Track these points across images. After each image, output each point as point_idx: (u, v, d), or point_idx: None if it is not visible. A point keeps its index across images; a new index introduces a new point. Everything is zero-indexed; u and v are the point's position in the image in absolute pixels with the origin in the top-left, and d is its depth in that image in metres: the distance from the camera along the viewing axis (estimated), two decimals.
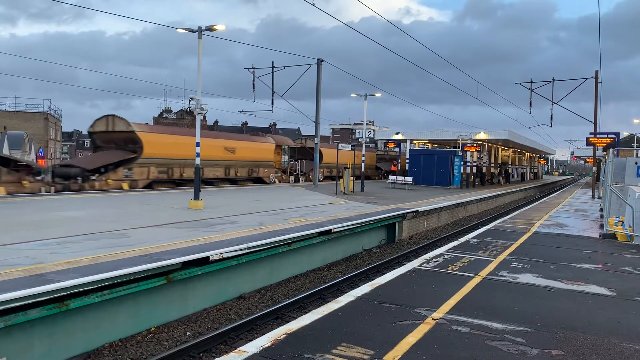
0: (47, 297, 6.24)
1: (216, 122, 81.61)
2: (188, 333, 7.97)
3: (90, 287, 6.80)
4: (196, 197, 16.14)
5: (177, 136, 27.22)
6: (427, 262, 9.96)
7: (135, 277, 7.43)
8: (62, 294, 6.43)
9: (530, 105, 34.95)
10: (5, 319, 5.88)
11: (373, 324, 5.99)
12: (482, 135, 38.07)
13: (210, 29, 16.25)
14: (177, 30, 16.79)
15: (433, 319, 6.25)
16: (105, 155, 24.51)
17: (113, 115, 25.24)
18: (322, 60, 30.79)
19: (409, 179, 32.42)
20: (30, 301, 6.05)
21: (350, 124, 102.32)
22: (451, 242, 13.49)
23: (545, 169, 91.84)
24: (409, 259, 13.96)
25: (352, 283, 11.33)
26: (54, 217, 12.61)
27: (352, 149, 31.65)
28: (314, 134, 32.07)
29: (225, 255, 9.16)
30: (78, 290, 6.64)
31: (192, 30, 16.39)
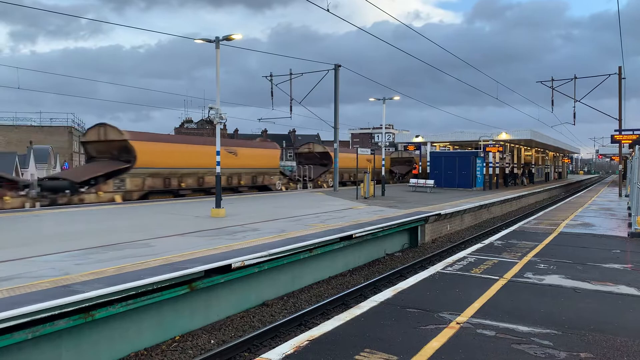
0: (74, 308, 6.33)
1: (236, 130, 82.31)
2: (212, 341, 8.00)
3: (115, 297, 6.88)
4: (218, 205, 16.26)
5: (174, 144, 25.90)
6: (451, 265, 9.85)
7: (159, 286, 7.50)
8: (87, 304, 6.52)
9: (552, 104, 34.45)
10: (33, 330, 5.99)
11: (396, 329, 5.94)
12: (503, 136, 37.61)
13: (227, 38, 16.42)
14: (195, 40, 16.99)
15: (457, 323, 6.17)
16: (96, 166, 23.29)
17: (105, 124, 23.96)
18: (340, 66, 30.83)
19: (430, 182, 32.17)
20: (57, 312, 6.15)
21: (369, 128, 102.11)
22: (475, 244, 13.33)
23: (570, 168, 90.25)
24: (432, 262, 13.83)
25: (375, 288, 11.26)
26: (69, 229, 12.82)
27: (372, 153, 31.57)
28: (332, 139, 32.08)
29: (247, 263, 9.19)
30: (103, 300, 6.72)
31: (209, 41, 16.57)
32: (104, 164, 23.33)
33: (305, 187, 36.04)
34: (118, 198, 22.12)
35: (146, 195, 23.62)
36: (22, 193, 19.95)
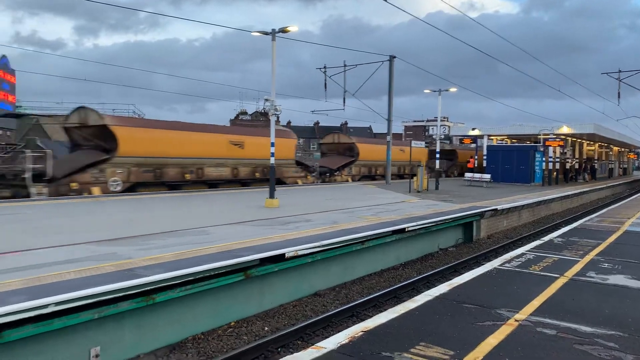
0: (136, 291, 6.60)
1: (289, 122, 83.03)
2: (266, 328, 8.15)
3: (175, 282, 7.12)
4: (272, 195, 16.49)
5: (161, 130, 22.92)
6: (508, 261, 9.58)
7: (216, 272, 7.70)
8: (149, 288, 6.78)
9: (619, 97, 32.74)
10: (99, 310, 6.28)
11: (452, 324, 5.84)
12: (565, 129, 36.11)
13: (283, 30, 16.54)
14: (252, 33, 17.21)
15: (516, 320, 6.00)
16: (79, 157, 21.19)
17: (85, 107, 21.66)
18: (394, 57, 30.46)
19: (487, 176, 31.36)
20: (121, 294, 6.43)
21: (423, 121, 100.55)
22: (533, 241, 12.90)
23: (636, 164, 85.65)
24: (488, 258, 13.50)
25: (428, 282, 11.11)
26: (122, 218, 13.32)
27: (426, 146, 31.08)
28: (386, 131, 31.80)
29: (300, 253, 9.29)
30: (163, 284, 6.97)
31: (266, 33, 16.75)
32: (83, 154, 21.13)
33: (324, 180, 33.87)
34: (96, 190, 20.21)
35: (133, 187, 21.60)
36: None
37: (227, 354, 6.87)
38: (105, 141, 20.98)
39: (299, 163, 31.14)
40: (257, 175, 27.03)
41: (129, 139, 21.06)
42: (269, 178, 24.96)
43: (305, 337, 7.77)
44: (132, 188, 21.31)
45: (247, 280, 8.48)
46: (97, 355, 6.46)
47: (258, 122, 72.37)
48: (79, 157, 20.95)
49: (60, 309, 5.83)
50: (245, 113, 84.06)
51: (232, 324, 8.23)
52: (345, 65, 29.71)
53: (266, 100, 16.68)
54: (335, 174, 34.74)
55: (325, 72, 30.26)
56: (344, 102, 30.94)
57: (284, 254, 8.94)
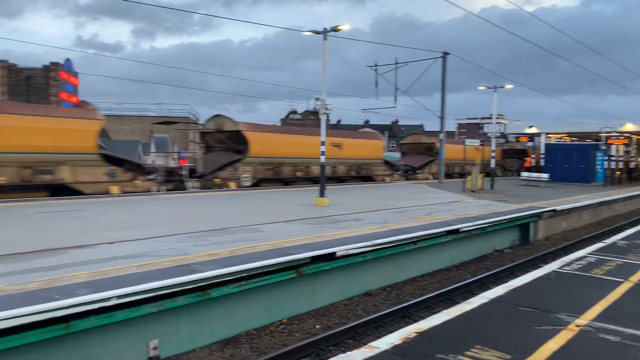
0: (193, 286, 6.79)
1: (339, 121, 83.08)
2: (318, 326, 8.19)
3: (229, 278, 7.27)
4: (322, 194, 16.55)
5: (280, 134, 27.12)
6: (568, 264, 9.22)
7: (269, 269, 7.81)
8: (204, 283, 6.96)
9: None
10: (157, 304, 6.50)
11: (509, 328, 5.68)
12: (629, 127, 34.38)
13: (334, 29, 16.55)
14: (303, 33, 17.32)
15: (577, 326, 5.76)
16: (218, 156, 24.87)
17: (221, 115, 25.48)
18: (447, 54, 29.90)
19: (545, 176, 30.29)
20: (178, 289, 6.63)
21: (477, 118, 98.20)
22: (595, 243, 12.34)
23: None
24: (546, 261, 13.03)
25: (483, 285, 10.85)
26: (187, 213, 13.69)
27: (481, 145, 30.37)
28: (438, 129, 31.28)
29: (351, 252, 9.28)
30: (218, 280, 7.14)
31: (317, 32, 16.81)
32: (223, 155, 25.19)
33: (408, 178, 35.53)
34: (233, 185, 23.90)
35: (258, 183, 25.03)
36: (150, 177, 22.00)
37: (280, 350, 6.96)
38: (238, 144, 24.67)
39: (385, 162, 33.98)
40: (352, 173, 30.39)
41: (258, 142, 24.61)
42: (362, 175, 26.89)
43: (357, 336, 7.76)
44: (257, 183, 24.81)
45: (299, 278, 8.55)
46: (155, 348, 6.68)
47: (308, 120, 72.82)
48: (220, 157, 24.72)
49: (121, 302, 6.08)
50: (295, 112, 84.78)
51: (284, 320, 8.32)
52: (396, 63, 29.43)
53: (317, 99, 16.75)
54: (417, 172, 36.61)
55: (376, 70, 30.07)
56: (395, 99, 30.65)
57: (334, 253, 8.96)
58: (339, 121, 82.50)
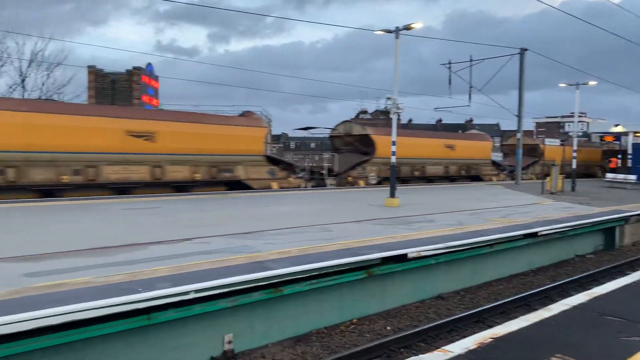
0: (265, 283, 6.94)
1: (410, 120, 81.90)
2: (388, 327, 8.12)
3: (301, 276, 7.36)
4: (392, 194, 16.39)
5: (404, 138, 29.67)
6: None
7: (339, 269, 7.83)
8: (277, 280, 7.09)
9: None
10: (232, 299, 6.70)
11: (593, 337, 5.36)
12: None
13: (406, 28, 16.34)
14: (375, 32, 17.23)
15: None
16: (349, 157, 27.98)
17: (349, 121, 29.72)
18: (525, 50, 28.69)
19: (632, 177, 28.34)
20: (252, 285, 6.79)
21: (557, 117, 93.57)
22: None
23: None
24: (634, 268, 12.20)
25: (563, 291, 10.31)
26: (275, 210, 13.99)
27: (561, 144, 28.92)
28: (515, 128, 30.08)
29: (423, 254, 9.12)
30: (290, 278, 7.25)
31: (389, 31, 16.67)
32: (353, 156, 28.15)
33: (513, 178, 35.90)
34: (362, 183, 27.06)
35: (381, 182, 27.42)
36: (300, 175, 25.95)
37: (350, 350, 6.96)
38: (365, 146, 27.66)
39: (493, 162, 36.23)
40: (462, 172, 32.90)
41: (383, 144, 26.49)
42: (472, 175, 30.20)
43: (429, 339, 7.61)
44: (381, 182, 27.36)
45: (369, 279, 8.51)
46: (230, 342, 6.89)
47: (378, 120, 72.35)
48: (350, 158, 27.81)
49: (199, 296, 6.31)
50: (365, 112, 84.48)
51: (354, 320, 8.31)
52: (471, 60, 28.62)
53: (388, 98, 16.61)
54: (522, 172, 37.14)
55: (449, 67, 29.38)
56: (470, 98, 29.81)
57: (406, 254, 8.84)
58: (410, 120, 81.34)
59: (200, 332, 6.67)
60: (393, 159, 16.87)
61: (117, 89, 49.48)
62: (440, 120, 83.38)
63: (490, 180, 33.83)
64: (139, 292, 5.90)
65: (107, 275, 6.61)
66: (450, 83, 29.66)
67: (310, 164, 31.50)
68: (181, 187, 20.28)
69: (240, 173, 22.38)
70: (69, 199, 16.37)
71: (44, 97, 32.31)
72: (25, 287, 5.98)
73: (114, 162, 18.55)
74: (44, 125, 16.89)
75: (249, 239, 9.61)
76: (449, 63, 29.37)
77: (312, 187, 25.23)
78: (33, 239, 9.33)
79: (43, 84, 33.19)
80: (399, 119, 17.35)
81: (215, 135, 21.52)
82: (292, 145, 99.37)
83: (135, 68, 49.14)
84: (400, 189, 19.28)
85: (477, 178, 33.33)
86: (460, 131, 53.51)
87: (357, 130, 28.26)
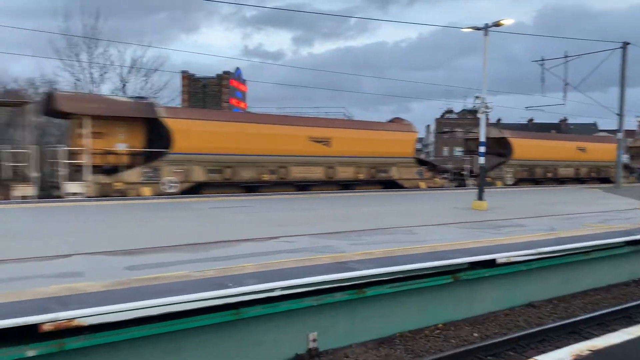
0: (349, 283, 7.00)
1: (499, 120, 78.75)
2: (475, 334, 7.89)
3: (384, 278, 7.35)
4: (480, 197, 15.88)
5: (538, 140, 31.94)
6: None
7: (424, 272, 7.72)
8: (361, 281, 7.13)
9: None
10: (317, 298, 6.82)
11: None
12: None
13: (496, 24, 15.77)
14: (462, 30, 16.80)
15: None
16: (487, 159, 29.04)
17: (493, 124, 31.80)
18: (628, 44, 26.68)
19: None
20: (335, 285, 6.88)
21: None
22: None
23: None
24: None
25: None
26: (368, 211, 14.07)
27: None
28: (615, 128, 28.06)
29: (513, 259, 8.77)
30: (374, 279, 7.26)
31: (477, 28, 16.18)
32: (490, 158, 29.35)
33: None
34: (499, 183, 28.91)
35: (517, 182, 29.40)
36: (444, 176, 28.33)
37: (435, 355, 6.85)
38: (500, 148, 29.16)
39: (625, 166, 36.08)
40: (593, 174, 33.83)
41: (520, 146, 29.09)
42: (602, 177, 31.63)
43: (519, 348, 7.31)
44: (516, 182, 29.52)
45: (456, 283, 8.31)
46: (314, 340, 7.01)
47: (465, 120, 70.29)
48: (489, 159, 27.74)
49: (285, 294, 6.49)
50: (451, 112, 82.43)
51: (440, 325, 8.16)
52: (566, 56, 27.06)
53: (477, 97, 16.12)
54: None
55: (542, 64, 27.98)
56: (565, 96, 28.19)
57: (494, 260, 8.55)
58: (498, 120, 78.22)
59: (285, 329, 6.85)
60: (482, 160, 16.35)
61: (207, 93, 51.86)
62: (531, 120, 79.47)
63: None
64: (230, 287, 6.17)
65: (202, 270, 6.97)
66: (542, 81, 28.24)
67: (452, 166, 32.84)
68: (346, 185, 23.78)
69: (394, 173, 25.24)
70: (167, 197, 17.45)
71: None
72: (128, 279, 6.45)
73: (299, 164, 22.28)
74: (252, 133, 20.87)
75: (334, 239, 9.73)
76: (542, 60, 27.96)
77: (455, 187, 28.08)
78: (135, 234, 10.04)
79: (142, 89, 35.49)
80: (487, 119, 16.77)
81: (375, 140, 24.29)
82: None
83: (224, 72, 51.22)
84: (489, 191, 18.61)
85: (606, 180, 33.36)
86: (552, 131, 51.64)
87: (493, 133, 29.46)
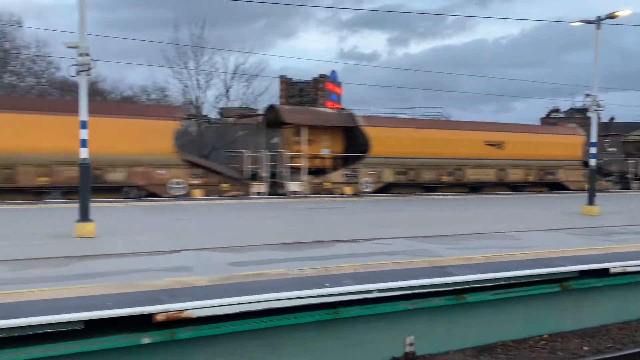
0: (448, 289, 6.83)
1: (611, 118, 72.95)
2: (585, 348, 7.37)
3: (486, 285, 7.09)
4: (590, 202, 14.82)
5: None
6: None
7: (529, 280, 7.36)
8: (460, 287, 6.93)
9: None
10: (414, 302, 6.73)
11: None
12: None
13: (610, 16, 14.64)
14: (571, 24, 15.76)
15: None
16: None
17: None
18: None
19: None
20: (433, 290, 6.75)
21: None
22: None
23: None
24: None
25: None
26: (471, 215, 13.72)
27: None
28: None
29: (629, 269, 8.10)
30: (474, 285, 7.03)
31: (588, 22, 15.12)
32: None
33: None
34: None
35: None
36: (609, 179, 28.49)
37: None
38: None
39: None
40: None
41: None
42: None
43: None
44: None
45: (564, 293, 7.82)
46: (411, 344, 6.92)
47: (573, 119, 65.87)
48: None
49: (381, 296, 6.47)
50: (557, 110, 77.68)
51: (545, 336, 7.71)
52: None
53: (587, 95, 15.06)
54: None
55: None
56: None
57: (607, 269, 7.95)
58: (611, 119, 72.48)
59: (382, 331, 6.82)
60: (592, 162, 15.24)
61: (304, 96, 53.08)
62: None
63: None
64: (327, 287, 6.28)
65: (299, 269, 7.15)
66: None
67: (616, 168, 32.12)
68: (515, 187, 25.00)
69: (561, 176, 26.37)
70: (262, 197, 18.13)
71: (243, 106, 36.06)
72: (232, 275, 6.78)
73: (474, 166, 23.94)
74: (434, 138, 22.77)
75: (430, 242, 9.55)
76: None
77: (619, 189, 28.35)
78: (238, 233, 10.52)
79: (244, 94, 37.06)
80: (599, 118, 15.62)
81: (545, 143, 25.49)
82: None
83: (320, 76, 52.09)
84: (601, 196, 17.29)
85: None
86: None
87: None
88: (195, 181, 19.01)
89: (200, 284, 6.29)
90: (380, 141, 21.24)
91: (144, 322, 5.33)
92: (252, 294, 5.84)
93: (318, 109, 27.66)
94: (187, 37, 35.13)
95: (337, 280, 6.58)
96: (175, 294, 5.78)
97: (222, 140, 27.96)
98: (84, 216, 9.68)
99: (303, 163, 20.39)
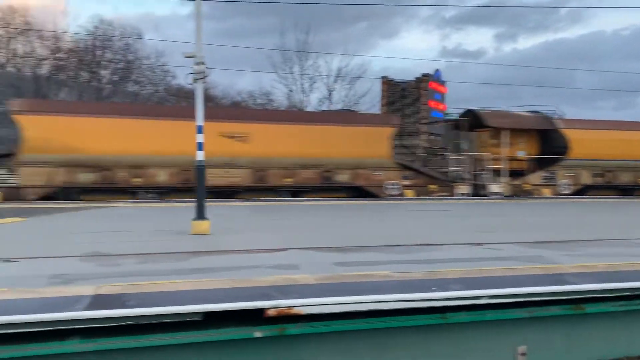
0: (565, 297, 6.42)
1: None
2: None
3: (607, 295, 6.58)
4: None
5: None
6: None
7: None
8: (578, 297, 6.48)
9: None
10: (527, 310, 6.39)
11: None
12: None
13: None
14: None
15: None
16: None
17: None
18: None
19: None
20: (548, 298, 6.37)
21: None
22: None
23: None
24: None
25: None
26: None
27: None
28: None
29: None
30: (593, 295, 6.54)
31: None
32: None
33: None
34: None
35: None
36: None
37: None
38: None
39: None
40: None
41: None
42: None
43: None
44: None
45: None
46: (523, 354, 6.59)
47: None
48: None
49: (491, 302, 6.23)
50: None
51: None
52: None
53: None
54: None
55: None
56: None
57: None
58: None
59: (491, 338, 6.56)
60: None
61: (405, 97, 52.41)
62: None
63: None
64: (433, 290, 6.16)
65: (405, 272, 7.09)
66: None
67: None
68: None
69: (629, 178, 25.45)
70: (381, 199, 18.28)
71: (346, 108, 36.44)
72: (337, 274, 6.88)
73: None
74: (629, 140, 22.80)
75: (545, 248, 9.03)
76: None
77: None
78: (345, 233, 10.66)
79: (346, 96, 37.49)
80: None
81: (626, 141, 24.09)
82: None
83: (423, 75, 51.20)
84: None
85: None
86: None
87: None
88: (407, 182, 20.34)
89: (306, 282, 6.46)
90: (580, 143, 21.51)
91: (253, 317, 5.58)
92: (355, 295, 5.89)
93: (515, 112, 27.20)
94: (293, 43, 36.26)
95: (443, 284, 6.43)
96: (283, 291, 5.98)
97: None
98: (200, 214, 10.32)
99: (503, 165, 20.91)
